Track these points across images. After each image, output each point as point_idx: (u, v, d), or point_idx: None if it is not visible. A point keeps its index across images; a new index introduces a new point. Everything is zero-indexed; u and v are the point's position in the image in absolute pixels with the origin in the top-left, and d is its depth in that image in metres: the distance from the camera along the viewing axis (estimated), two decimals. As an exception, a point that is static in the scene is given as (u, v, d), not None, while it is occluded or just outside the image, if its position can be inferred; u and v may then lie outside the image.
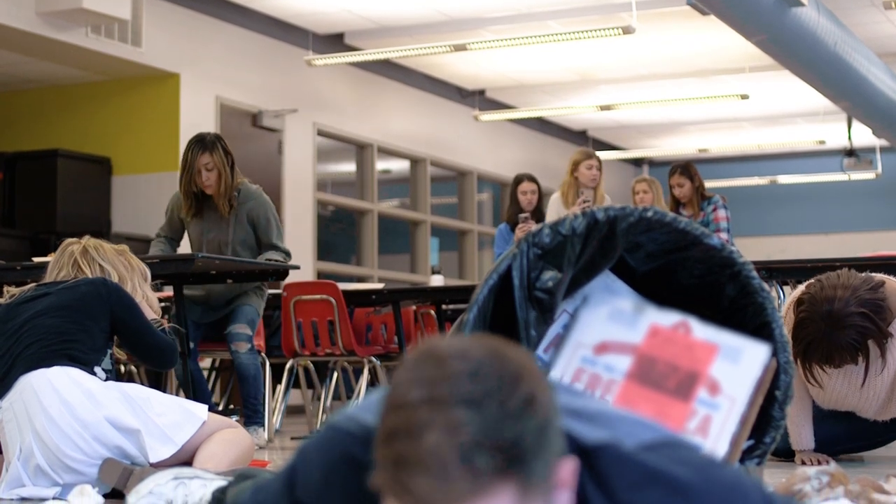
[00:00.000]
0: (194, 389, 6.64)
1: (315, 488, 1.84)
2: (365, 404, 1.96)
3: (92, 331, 4.37)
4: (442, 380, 1.52)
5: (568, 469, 1.59)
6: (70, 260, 4.61)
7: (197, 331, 7.08)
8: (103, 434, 4.10)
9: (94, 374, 4.29)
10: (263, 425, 6.99)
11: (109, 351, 4.46)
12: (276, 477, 1.94)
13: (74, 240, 4.71)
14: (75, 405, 4.12)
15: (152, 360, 4.69)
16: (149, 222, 7.62)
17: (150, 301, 4.70)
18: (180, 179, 7.12)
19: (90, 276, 4.54)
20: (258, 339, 7.35)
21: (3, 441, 4.30)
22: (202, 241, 7.09)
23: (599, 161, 9.37)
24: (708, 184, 9.45)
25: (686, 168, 9.20)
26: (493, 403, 1.51)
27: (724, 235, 8.84)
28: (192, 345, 6.90)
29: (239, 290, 7.16)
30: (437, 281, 10.35)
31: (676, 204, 9.20)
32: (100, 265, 4.59)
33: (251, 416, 6.95)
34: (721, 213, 9.01)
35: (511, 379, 1.54)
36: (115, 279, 4.58)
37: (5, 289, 4.71)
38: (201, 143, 7.02)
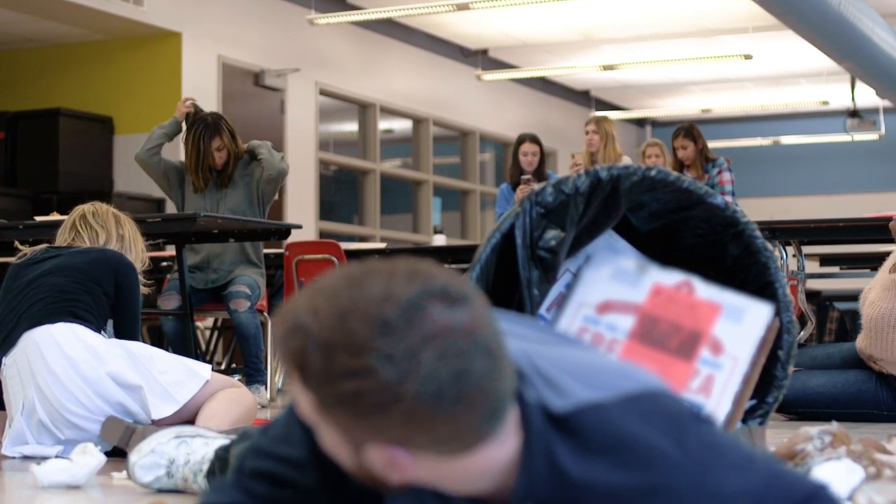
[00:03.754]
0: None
1: None
2: None
3: (96, 294, 4.39)
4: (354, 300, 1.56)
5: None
6: (70, 226, 4.67)
7: (196, 296, 7.08)
8: (105, 390, 4.11)
9: (98, 333, 4.31)
10: (265, 384, 7.00)
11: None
12: (282, 413, 1.94)
13: (79, 206, 4.77)
14: (78, 360, 4.14)
15: (121, 332, 4.58)
16: (150, 181, 7.59)
17: (138, 248, 4.72)
18: (189, 161, 7.17)
19: (87, 239, 4.59)
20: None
21: (6, 397, 4.33)
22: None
23: (597, 124, 9.24)
24: (711, 144, 9.40)
25: (689, 130, 9.14)
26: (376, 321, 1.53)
27: (729, 198, 8.78)
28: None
29: (238, 264, 7.19)
30: (439, 241, 10.35)
31: (680, 166, 9.14)
32: (96, 230, 4.64)
33: (253, 374, 6.96)
34: (726, 175, 8.97)
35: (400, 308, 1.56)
36: (103, 238, 4.61)
37: (17, 245, 4.74)
38: (209, 126, 7.09)
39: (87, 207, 4.74)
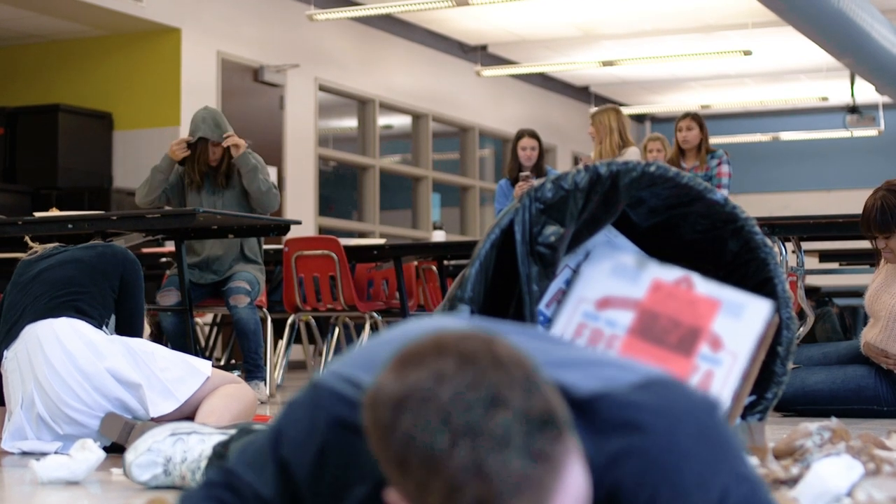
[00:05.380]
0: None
1: (302, 451, 1.80)
2: (359, 359, 1.87)
3: (101, 286, 4.41)
4: (459, 406, 1.47)
5: None
6: None
7: (196, 291, 7.07)
8: (104, 385, 4.11)
9: (100, 328, 4.32)
10: (264, 380, 7.00)
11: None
12: (263, 435, 1.91)
13: None
14: (77, 355, 4.14)
15: (124, 328, 4.62)
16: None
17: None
18: (188, 160, 7.15)
19: None
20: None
21: (6, 390, 4.33)
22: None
23: (599, 118, 9.15)
24: (710, 140, 9.38)
25: (696, 115, 9.11)
26: (512, 394, 1.48)
27: (724, 192, 8.75)
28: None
29: (237, 261, 7.18)
30: (438, 236, 10.34)
31: (679, 152, 9.05)
32: None
33: (252, 370, 6.95)
34: (725, 168, 8.94)
35: (501, 360, 1.50)
36: None
37: (28, 241, 4.75)
38: (210, 130, 7.08)
39: None
